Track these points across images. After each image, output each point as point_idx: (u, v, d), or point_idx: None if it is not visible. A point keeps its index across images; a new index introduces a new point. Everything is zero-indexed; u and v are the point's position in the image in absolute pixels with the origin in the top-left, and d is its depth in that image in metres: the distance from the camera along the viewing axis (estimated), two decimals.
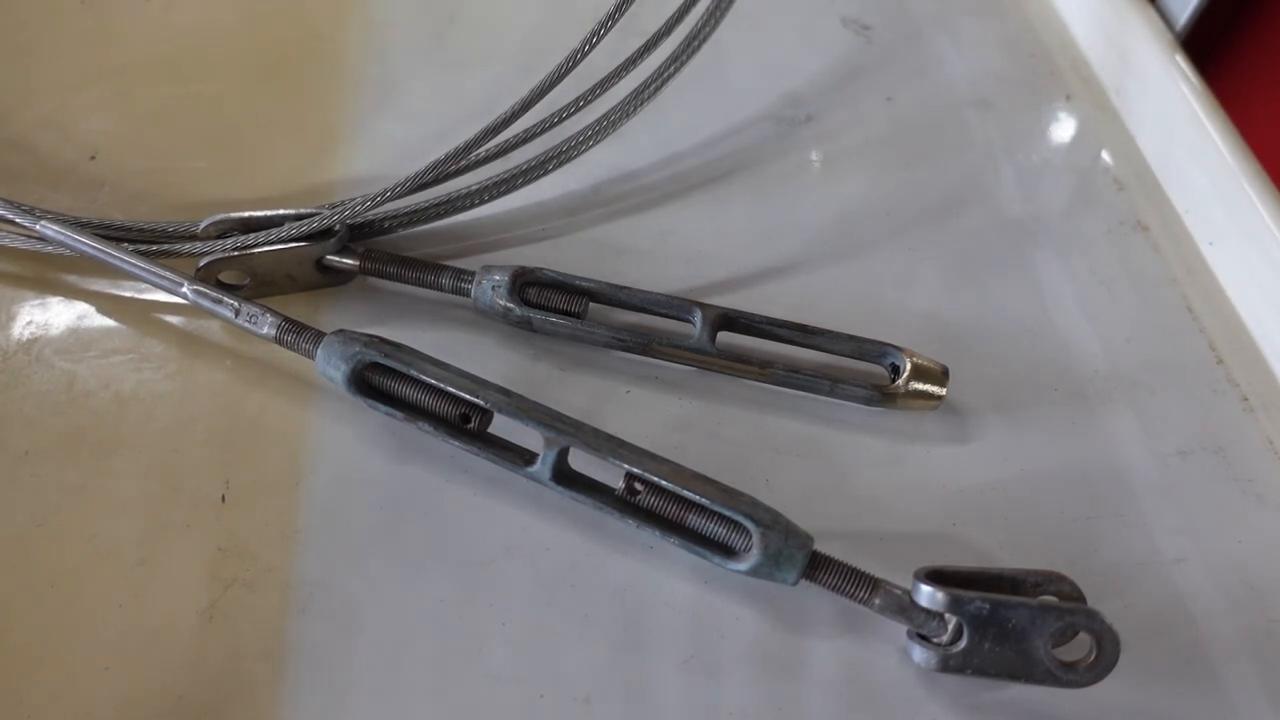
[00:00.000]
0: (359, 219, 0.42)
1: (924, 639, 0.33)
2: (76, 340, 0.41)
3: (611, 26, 0.41)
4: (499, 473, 0.37)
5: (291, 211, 0.41)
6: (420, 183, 0.40)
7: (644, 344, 0.40)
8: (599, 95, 0.42)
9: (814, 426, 0.40)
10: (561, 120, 0.42)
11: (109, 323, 0.42)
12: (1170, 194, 0.49)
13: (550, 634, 0.35)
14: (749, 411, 0.40)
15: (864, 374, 0.40)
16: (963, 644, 0.32)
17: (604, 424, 0.36)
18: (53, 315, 0.42)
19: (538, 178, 0.43)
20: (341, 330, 0.37)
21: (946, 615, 0.32)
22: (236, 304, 0.38)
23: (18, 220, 0.41)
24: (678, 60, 0.45)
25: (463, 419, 0.36)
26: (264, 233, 0.40)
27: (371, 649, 0.34)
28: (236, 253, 0.40)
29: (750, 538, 0.33)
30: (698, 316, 0.40)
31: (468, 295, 0.41)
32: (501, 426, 0.36)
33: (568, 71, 0.41)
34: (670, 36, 0.44)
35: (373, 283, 0.43)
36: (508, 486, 0.37)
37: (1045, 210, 0.48)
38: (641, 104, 0.44)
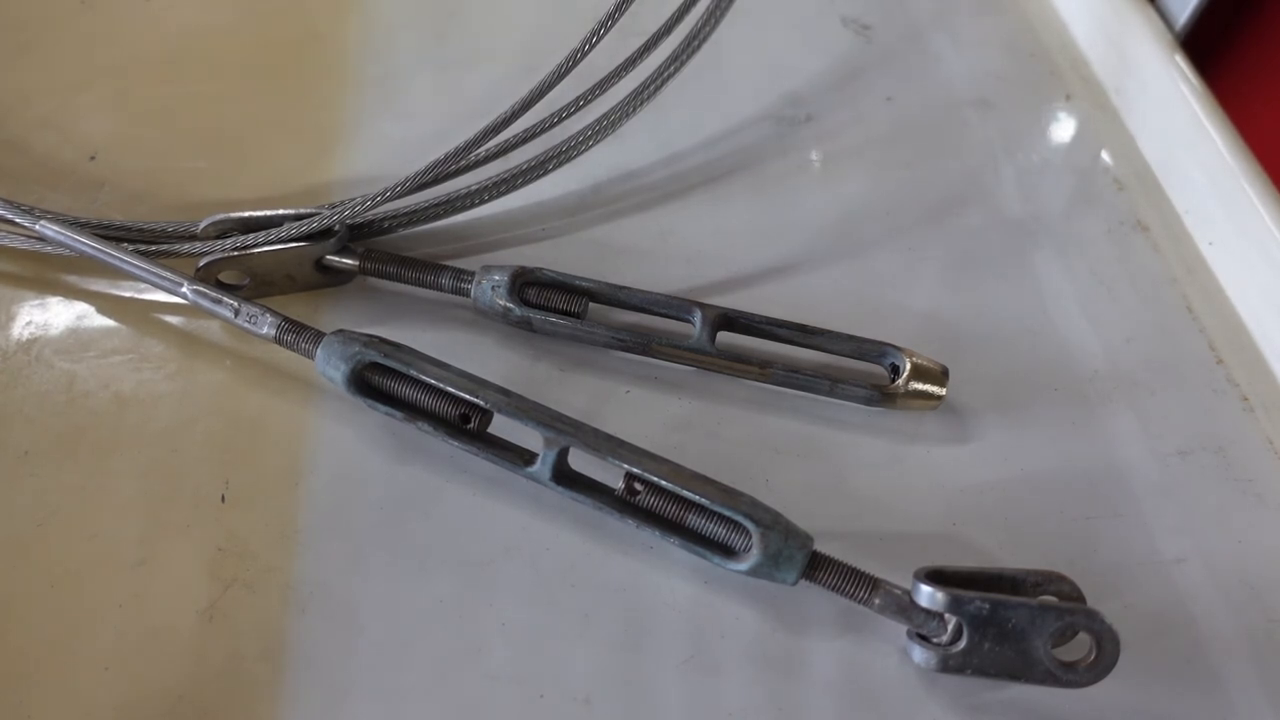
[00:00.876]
0: (359, 219, 0.42)
1: (924, 639, 0.33)
2: (76, 340, 0.41)
3: (611, 26, 0.41)
4: (499, 473, 0.37)
5: (291, 211, 0.41)
6: (420, 183, 0.40)
7: (644, 344, 0.40)
8: (599, 95, 0.42)
9: (814, 426, 0.40)
10: (561, 120, 0.42)
11: (109, 323, 0.42)
12: (1170, 194, 0.49)
13: (550, 634, 0.35)
14: (749, 411, 0.40)
15: (864, 374, 0.40)
16: (962, 644, 0.32)
17: (604, 424, 0.36)
18: (52, 315, 0.42)
19: (538, 178, 0.43)
20: (341, 330, 0.37)
21: (946, 615, 0.32)
22: (236, 304, 0.38)
23: (17, 220, 0.41)
24: (678, 60, 0.45)
25: (462, 419, 0.36)
26: (263, 233, 0.40)
27: (371, 649, 0.34)
28: (236, 253, 0.40)
29: (750, 538, 0.33)
30: (697, 316, 0.40)
31: (467, 295, 0.41)
32: (501, 426, 0.36)
33: (568, 71, 0.41)
34: (670, 36, 0.44)
35: (372, 283, 0.43)
36: (508, 486, 0.37)
37: (1045, 210, 0.48)
38: (641, 104, 0.44)
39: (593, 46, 0.40)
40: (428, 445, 0.38)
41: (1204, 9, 0.50)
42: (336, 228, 0.41)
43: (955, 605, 0.31)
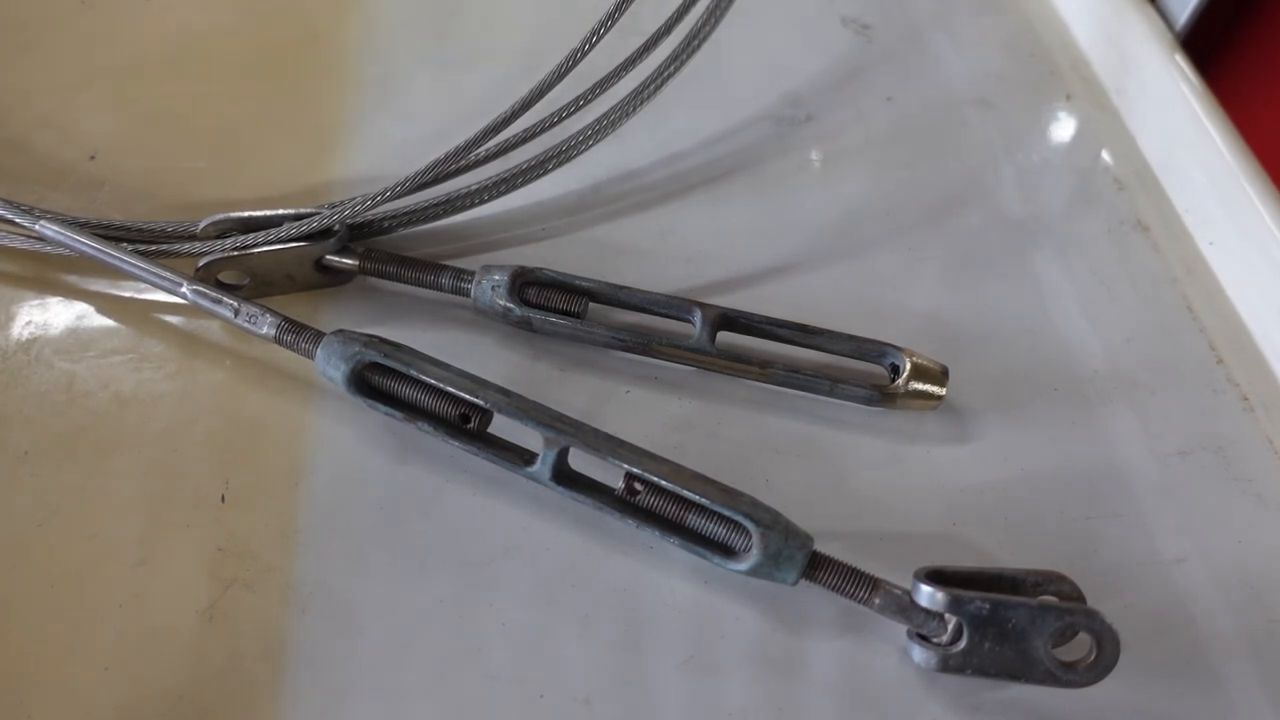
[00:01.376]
0: (358, 219, 0.42)
1: (924, 639, 0.33)
2: (76, 340, 0.41)
3: (611, 26, 0.41)
4: (499, 473, 0.37)
5: (291, 211, 0.41)
6: (420, 182, 0.40)
7: (644, 344, 0.40)
8: (599, 95, 0.42)
9: (814, 426, 0.40)
10: (561, 120, 0.42)
11: (108, 323, 0.42)
12: (1170, 194, 0.49)
13: (550, 634, 0.35)
14: (749, 411, 0.40)
15: (864, 374, 0.40)
16: (963, 644, 0.32)
17: (604, 424, 0.36)
18: (52, 315, 0.42)
19: (538, 177, 0.43)
20: (341, 330, 0.37)
21: (946, 615, 0.32)
22: (236, 304, 0.38)
23: (17, 220, 0.41)
24: (678, 60, 0.45)
25: (462, 419, 0.36)
26: (263, 233, 0.40)
27: (371, 649, 0.34)
28: (236, 253, 0.40)
29: (750, 538, 0.33)
30: (698, 316, 0.40)
31: (467, 295, 0.41)
32: (501, 426, 0.36)
33: (568, 71, 0.41)
34: (670, 36, 0.44)
35: (372, 283, 0.43)
36: (508, 486, 0.37)
37: (1045, 210, 0.48)
38: (641, 104, 0.44)
39: (593, 46, 0.40)
40: (428, 445, 0.38)
41: (1204, 9, 0.50)
42: (336, 228, 0.41)
43: (955, 605, 0.31)
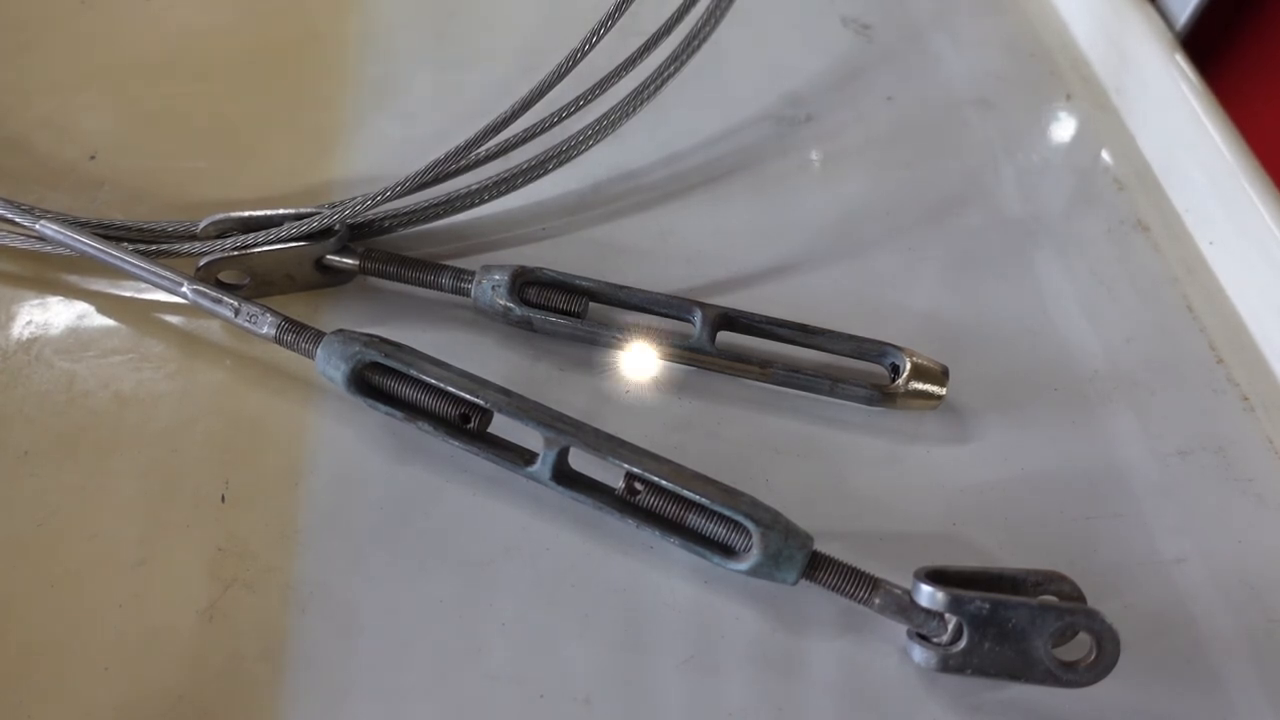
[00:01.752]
0: (359, 219, 0.42)
1: (924, 639, 0.33)
2: (76, 340, 0.41)
3: (611, 26, 0.41)
4: (499, 473, 0.37)
5: (291, 211, 0.41)
6: (420, 182, 0.40)
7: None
8: (599, 95, 0.42)
9: (814, 426, 0.40)
10: (561, 120, 0.42)
11: (109, 322, 0.42)
12: (1170, 194, 0.49)
13: (550, 634, 0.35)
14: (749, 411, 0.40)
15: (864, 374, 0.40)
16: (963, 644, 0.32)
17: (604, 424, 0.36)
18: (52, 315, 0.42)
19: (538, 177, 0.43)
20: (341, 330, 0.37)
21: (946, 615, 0.32)
22: (236, 304, 0.38)
23: (17, 220, 0.41)
24: (678, 60, 0.45)
25: (462, 419, 0.36)
26: (263, 232, 0.40)
27: (371, 649, 0.34)
28: (236, 252, 0.40)
29: (750, 538, 0.33)
30: (698, 316, 0.40)
31: (468, 295, 0.41)
32: (501, 426, 0.36)
33: (568, 71, 0.41)
34: (670, 36, 0.44)
35: (372, 282, 0.43)
36: (508, 486, 0.37)
37: (1045, 210, 0.48)
38: (641, 104, 0.44)
39: (593, 46, 0.40)
40: (428, 445, 0.38)
41: (1204, 9, 0.50)
42: (336, 227, 0.41)
43: (955, 605, 0.31)
